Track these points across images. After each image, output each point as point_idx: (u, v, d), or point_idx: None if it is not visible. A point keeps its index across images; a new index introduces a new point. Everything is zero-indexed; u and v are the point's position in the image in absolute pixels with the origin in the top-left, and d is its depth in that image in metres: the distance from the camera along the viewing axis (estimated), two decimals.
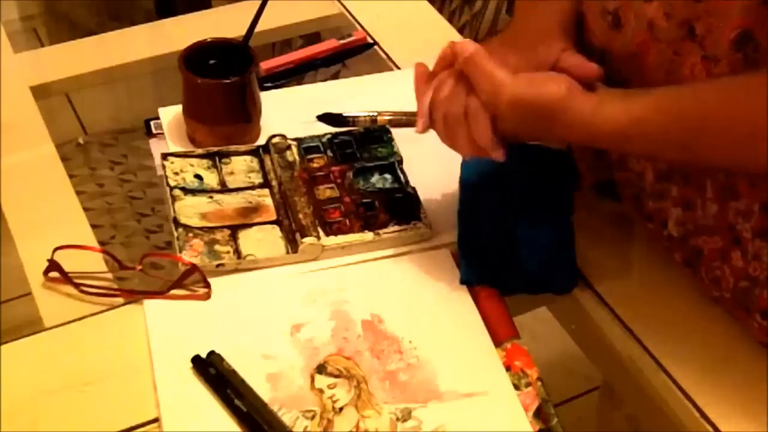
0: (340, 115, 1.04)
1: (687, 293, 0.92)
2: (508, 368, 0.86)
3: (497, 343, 0.88)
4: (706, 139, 0.77)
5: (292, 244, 0.94)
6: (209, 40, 1.05)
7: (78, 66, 1.18)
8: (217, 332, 0.87)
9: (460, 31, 1.86)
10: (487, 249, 0.94)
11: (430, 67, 0.89)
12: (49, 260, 0.91)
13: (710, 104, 0.77)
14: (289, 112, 1.10)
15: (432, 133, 1.09)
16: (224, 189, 0.99)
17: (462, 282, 0.92)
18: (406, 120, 0.94)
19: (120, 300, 0.91)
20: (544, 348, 1.29)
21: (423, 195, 0.99)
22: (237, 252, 0.93)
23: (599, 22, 0.90)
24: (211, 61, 1.04)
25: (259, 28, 1.02)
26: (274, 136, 1.03)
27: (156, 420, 0.82)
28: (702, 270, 0.91)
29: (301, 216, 0.95)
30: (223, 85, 1.01)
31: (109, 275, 0.93)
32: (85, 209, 1.01)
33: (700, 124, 0.77)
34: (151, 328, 0.88)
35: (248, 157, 1.03)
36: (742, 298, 0.87)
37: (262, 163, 1.02)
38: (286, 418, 0.81)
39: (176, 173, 0.99)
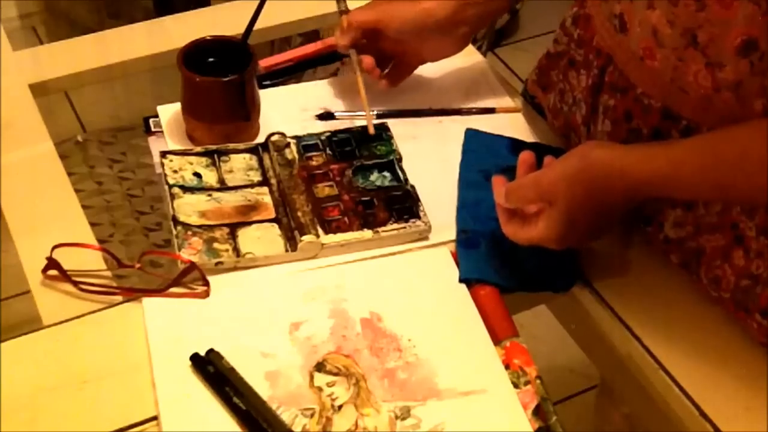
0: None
1: (687, 292, 0.92)
2: (507, 366, 0.86)
3: (496, 341, 0.88)
4: (743, 178, 0.77)
5: (291, 242, 0.94)
6: (208, 37, 1.05)
7: (77, 64, 1.18)
8: (216, 330, 0.87)
9: None
10: (486, 247, 0.94)
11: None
12: (47, 258, 0.91)
13: (746, 143, 0.77)
14: (288, 110, 1.10)
15: (430, 133, 1.09)
16: (223, 187, 0.99)
17: (461, 280, 0.92)
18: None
19: (119, 298, 0.91)
20: (543, 346, 1.29)
21: (422, 193, 0.99)
22: (236, 250, 0.93)
23: (606, 25, 0.90)
24: (210, 59, 1.04)
25: (258, 25, 1.02)
26: (273, 134, 1.03)
27: (155, 418, 0.82)
28: (701, 271, 0.91)
29: (300, 214, 0.95)
30: (221, 83, 1.01)
31: (108, 273, 0.93)
32: (84, 207, 1.00)
33: (737, 163, 0.77)
34: (150, 326, 0.87)
35: (247, 155, 1.02)
36: (741, 298, 0.87)
37: (261, 161, 1.02)
38: (285, 416, 0.81)
39: (175, 171, 0.99)
